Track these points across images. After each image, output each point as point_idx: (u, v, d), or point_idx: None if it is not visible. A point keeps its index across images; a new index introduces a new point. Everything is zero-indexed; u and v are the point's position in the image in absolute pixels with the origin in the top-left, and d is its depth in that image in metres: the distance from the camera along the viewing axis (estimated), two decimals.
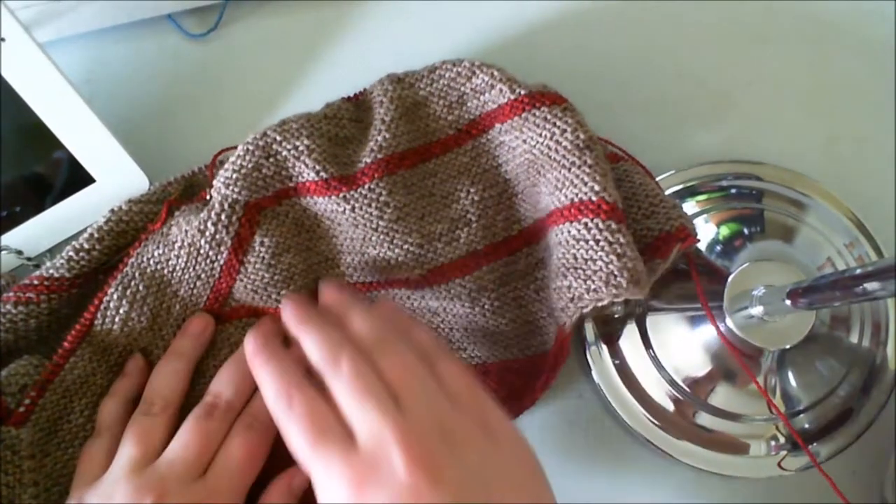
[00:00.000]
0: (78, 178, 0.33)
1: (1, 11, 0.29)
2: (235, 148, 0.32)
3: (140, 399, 0.30)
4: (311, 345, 0.26)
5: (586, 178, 0.28)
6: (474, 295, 0.33)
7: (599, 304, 0.27)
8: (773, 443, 0.33)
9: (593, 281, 0.27)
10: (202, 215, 0.31)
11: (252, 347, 0.28)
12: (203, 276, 0.31)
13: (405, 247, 0.32)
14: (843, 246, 0.35)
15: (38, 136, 0.32)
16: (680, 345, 0.34)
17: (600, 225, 0.27)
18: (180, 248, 0.31)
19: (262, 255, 0.31)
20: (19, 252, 0.33)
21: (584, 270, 0.28)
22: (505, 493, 0.23)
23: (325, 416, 0.25)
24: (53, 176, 0.33)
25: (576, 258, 0.28)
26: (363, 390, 0.24)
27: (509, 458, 0.25)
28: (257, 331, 0.29)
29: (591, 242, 0.27)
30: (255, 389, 0.30)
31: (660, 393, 0.33)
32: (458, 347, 0.34)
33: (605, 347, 0.34)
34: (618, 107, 0.38)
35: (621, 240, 0.27)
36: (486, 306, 0.33)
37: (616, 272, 0.27)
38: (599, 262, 0.27)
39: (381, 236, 0.31)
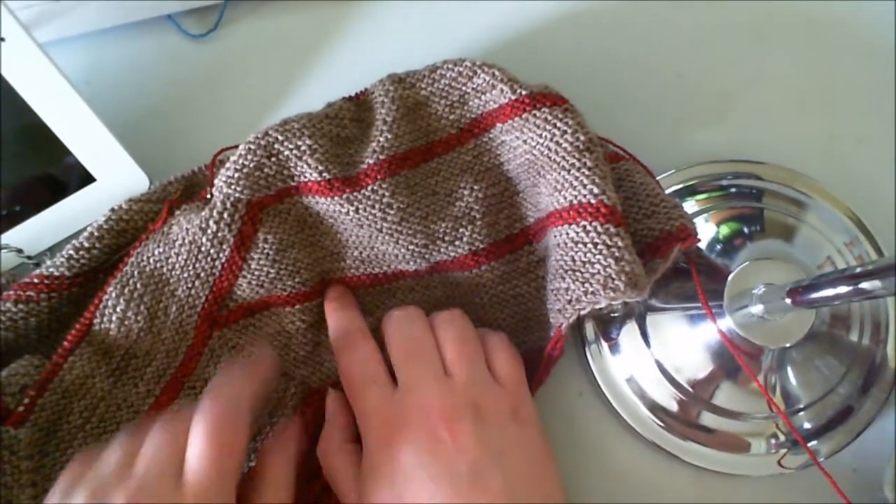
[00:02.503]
0: (78, 176, 0.33)
1: (1, 11, 0.29)
2: (236, 147, 0.32)
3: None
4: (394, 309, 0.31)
5: (586, 181, 0.28)
6: (473, 290, 0.33)
7: (597, 306, 0.27)
8: (773, 441, 0.33)
9: (591, 284, 0.27)
10: (203, 213, 0.31)
11: (332, 295, 0.33)
12: (203, 274, 0.31)
13: (410, 247, 0.32)
14: (842, 245, 0.35)
15: (38, 137, 0.32)
16: (680, 343, 0.34)
17: (599, 228, 0.27)
18: (181, 245, 0.31)
19: (265, 251, 0.31)
20: (19, 250, 0.33)
21: (581, 273, 0.28)
22: (515, 468, 0.26)
23: (376, 363, 0.29)
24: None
25: (574, 261, 0.28)
26: (417, 352, 0.28)
27: (527, 443, 0.28)
28: (338, 286, 0.33)
29: (590, 245, 0.28)
30: None
31: (659, 391, 0.33)
32: None
33: (605, 346, 0.34)
34: (618, 107, 0.38)
35: (619, 243, 0.27)
36: (485, 301, 0.33)
37: (614, 276, 0.27)
38: (597, 266, 0.27)
39: (386, 236, 0.32)
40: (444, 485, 0.25)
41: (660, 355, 0.33)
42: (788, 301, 0.28)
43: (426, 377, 0.27)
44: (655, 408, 0.33)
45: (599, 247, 0.27)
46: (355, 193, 0.31)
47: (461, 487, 0.25)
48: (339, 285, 0.34)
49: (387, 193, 0.31)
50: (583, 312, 0.28)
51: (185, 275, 0.31)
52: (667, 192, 0.36)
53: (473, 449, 0.26)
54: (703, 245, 0.35)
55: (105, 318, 0.31)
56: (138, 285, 0.31)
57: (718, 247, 0.35)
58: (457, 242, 0.32)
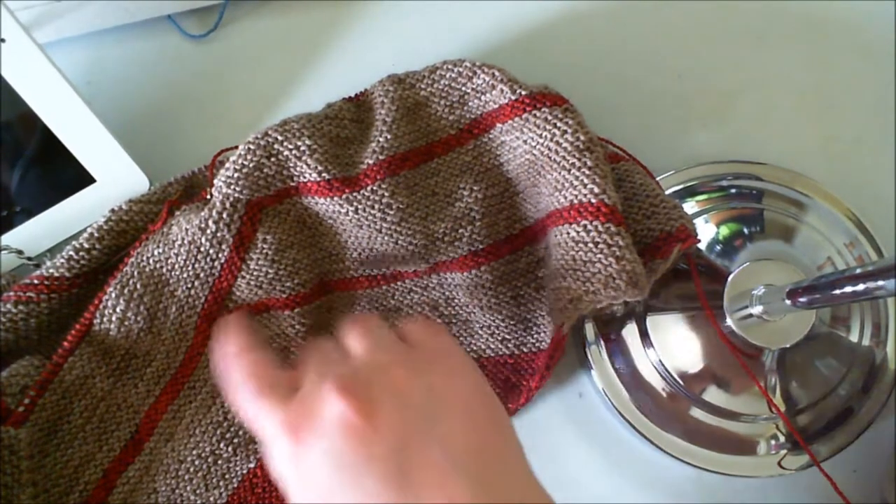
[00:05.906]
0: (78, 178, 0.33)
1: (1, 12, 0.29)
2: (236, 148, 0.32)
3: None
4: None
5: (586, 180, 0.28)
6: (472, 290, 0.33)
7: (598, 305, 0.27)
8: (773, 442, 0.33)
9: (592, 283, 0.27)
10: (203, 213, 0.31)
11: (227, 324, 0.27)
12: (202, 275, 0.31)
13: (409, 247, 0.32)
14: (842, 245, 0.35)
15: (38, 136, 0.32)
16: (680, 344, 0.34)
17: (599, 227, 0.27)
18: (180, 246, 0.31)
19: (265, 251, 0.31)
20: (20, 252, 0.33)
21: (582, 272, 0.28)
22: (454, 432, 0.22)
23: (272, 373, 0.24)
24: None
25: (575, 260, 0.28)
26: (314, 351, 0.24)
27: (461, 397, 0.23)
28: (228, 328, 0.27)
29: (591, 245, 0.28)
30: None
31: (660, 392, 0.33)
32: (456, 337, 0.34)
33: (605, 346, 0.34)
34: (618, 107, 0.38)
35: (620, 242, 0.27)
36: (484, 302, 0.33)
37: (615, 275, 0.27)
38: (598, 265, 0.27)
39: (385, 237, 0.32)
40: (370, 479, 0.20)
41: (660, 356, 0.33)
42: (788, 302, 0.28)
43: (322, 363, 0.23)
44: (656, 408, 0.33)
45: (600, 246, 0.27)
46: (355, 194, 0.31)
47: (392, 475, 0.20)
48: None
49: (386, 194, 0.31)
50: (584, 312, 0.28)
51: (185, 275, 0.31)
52: (667, 192, 0.36)
53: (395, 424, 0.21)
54: (703, 246, 0.35)
55: (105, 319, 0.31)
56: (138, 286, 0.31)
57: (718, 248, 0.35)
58: (456, 243, 0.32)
